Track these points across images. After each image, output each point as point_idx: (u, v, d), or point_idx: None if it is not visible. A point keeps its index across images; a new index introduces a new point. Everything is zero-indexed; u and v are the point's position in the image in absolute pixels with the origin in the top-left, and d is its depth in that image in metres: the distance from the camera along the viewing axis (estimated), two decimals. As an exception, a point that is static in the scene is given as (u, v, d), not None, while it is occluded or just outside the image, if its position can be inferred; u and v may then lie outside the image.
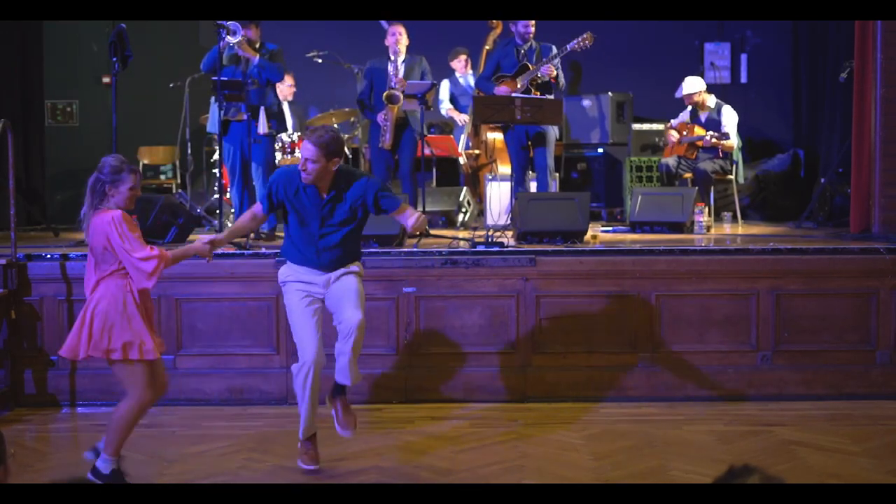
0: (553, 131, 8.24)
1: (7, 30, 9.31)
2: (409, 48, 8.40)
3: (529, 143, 8.19)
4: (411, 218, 5.13)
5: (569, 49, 7.99)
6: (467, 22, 9.25)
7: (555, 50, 8.16)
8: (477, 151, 9.71)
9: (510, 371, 6.59)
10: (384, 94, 8.25)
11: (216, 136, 8.00)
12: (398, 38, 8.30)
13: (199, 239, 5.05)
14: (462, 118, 9.76)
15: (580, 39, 7.95)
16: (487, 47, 9.66)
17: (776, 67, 10.84)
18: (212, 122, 8.00)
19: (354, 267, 5.19)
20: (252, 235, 7.51)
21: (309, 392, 5.07)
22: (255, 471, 5.23)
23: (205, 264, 6.64)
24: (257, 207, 5.29)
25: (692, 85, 9.08)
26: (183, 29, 10.50)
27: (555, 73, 8.06)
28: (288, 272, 5.18)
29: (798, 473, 5.04)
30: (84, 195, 4.67)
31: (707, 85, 9.20)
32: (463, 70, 9.89)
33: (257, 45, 7.88)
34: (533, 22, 8.15)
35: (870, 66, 7.31)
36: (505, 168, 8.95)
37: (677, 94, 9.15)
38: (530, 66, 8.08)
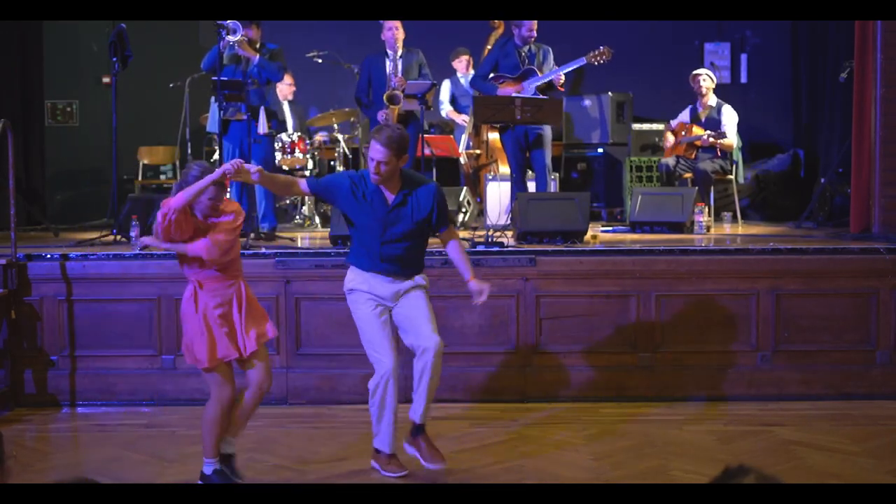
0: (550, 131, 8.24)
1: (7, 30, 9.32)
2: (406, 42, 8.39)
3: (527, 143, 8.18)
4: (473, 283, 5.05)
5: (584, 62, 7.97)
6: (468, 22, 9.25)
7: (551, 53, 8.16)
8: (478, 151, 9.72)
9: (510, 371, 6.59)
10: (385, 95, 8.24)
11: (216, 136, 8.01)
12: (395, 32, 8.28)
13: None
14: (462, 119, 9.76)
15: (597, 53, 7.91)
16: (489, 47, 9.66)
17: (776, 67, 10.84)
18: (212, 121, 8.01)
19: (420, 279, 5.10)
20: (252, 235, 7.51)
21: (391, 402, 4.98)
22: (255, 471, 5.23)
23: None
24: (302, 182, 5.18)
25: (702, 69, 9.15)
26: (183, 29, 10.50)
27: (563, 79, 8.07)
28: (354, 278, 5.08)
29: (798, 473, 5.04)
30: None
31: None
32: (464, 70, 9.89)
33: (258, 45, 7.89)
34: (535, 25, 8.14)
35: (870, 66, 7.31)
36: (506, 168, 8.95)
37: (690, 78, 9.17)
38: (538, 72, 8.06)
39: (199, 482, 4.90)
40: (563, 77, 8.05)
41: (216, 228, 4.74)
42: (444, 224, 5.09)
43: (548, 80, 7.99)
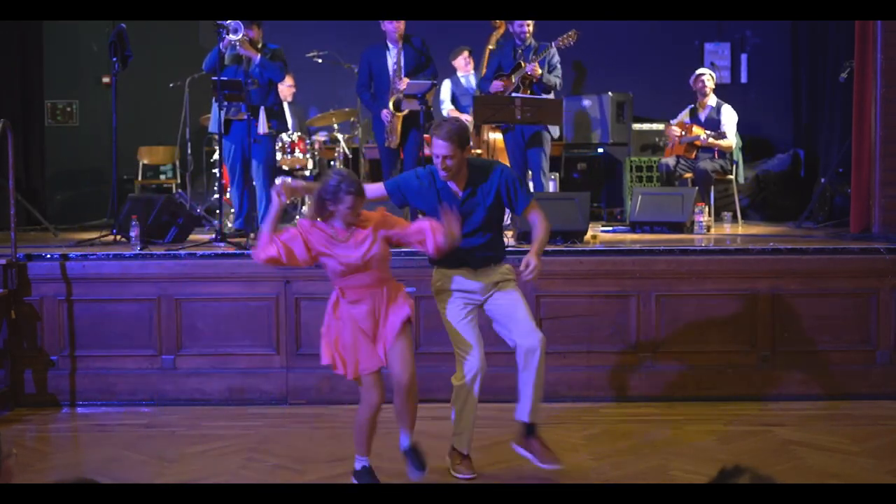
0: (549, 132, 8.24)
1: (7, 30, 9.32)
2: (406, 34, 8.32)
3: (525, 143, 8.19)
4: (538, 227, 4.94)
5: (554, 45, 8.01)
6: (469, 22, 9.25)
7: (552, 48, 8.16)
8: (479, 151, 9.71)
9: (510, 371, 6.57)
10: (391, 101, 8.20)
11: (217, 137, 8.01)
12: (396, 24, 8.19)
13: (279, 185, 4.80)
14: (464, 119, 9.76)
15: (564, 37, 7.99)
16: (491, 47, 9.65)
17: (776, 67, 10.84)
18: (213, 122, 8.01)
19: (507, 270, 5.04)
20: (252, 235, 7.51)
21: (474, 402, 4.97)
22: (255, 471, 5.23)
23: (205, 264, 6.66)
24: (379, 186, 5.10)
25: (704, 69, 9.17)
26: (183, 29, 10.50)
27: (539, 72, 8.04)
28: (440, 278, 5.04)
29: (798, 473, 5.05)
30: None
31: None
32: (465, 69, 9.88)
33: (259, 46, 7.88)
34: (529, 22, 8.15)
35: (870, 66, 7.31)
36: (506, 168, 8.95)
37: (691, 79, 9.18)
38: (523, 65, 8.10)
39: (354, 480, 4.93)
40: (538, 70, 8.03)
41: (355, 239, 4.68)
42: (522, 204, 4.98)
43: (525, 71, 8.01)
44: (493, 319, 5.08)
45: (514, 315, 4.99)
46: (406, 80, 8.15)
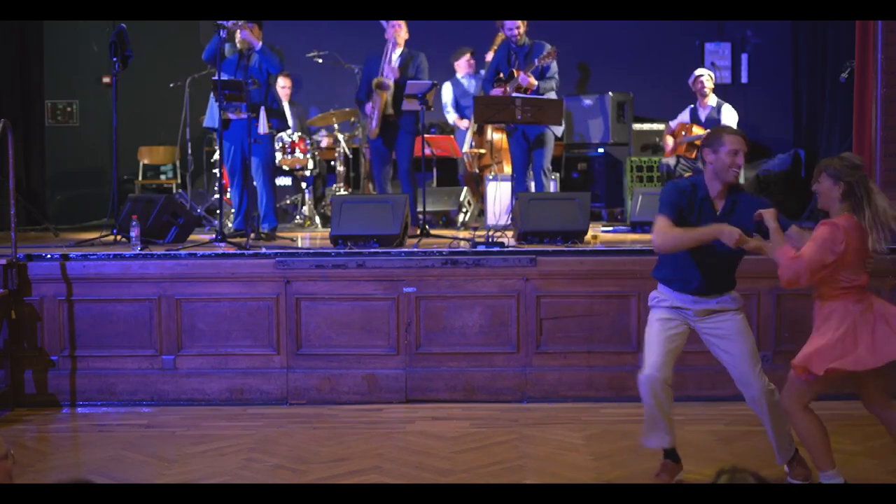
0: (551, 132, 8.24)
1: (7, 30, 9.32)
2: (409, 43, 8.39)
3: (528, 143, 8.20)
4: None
5: (536, 64, 8.04)
6: (471, 22, 9.25)
7: (547, 47, 8.16)
8: (482, 151, 9.71)
9: (510, 371, 6.59)
10: (374, 81, 8.24)
11: (215, 135, 8.00)
12: (395, 29, 8.27)
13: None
14: (466, 124, 9.75)
15: (542, 56, 8.04)
16: (495, 48, 9.66)
17: (776, 67, 10.85)
18: (210, 116, 8.00)
19: (730, 298, 4.90)
20: (252, 235, 7.51)
21: (650, 404, 4.84)
22: (255, 471, 5.23)
23: (205, 264, 6.67)
24: (665, 221, 4.88)
25: (703, 70, 9.17)
26: (183, 29, 10.51)
27: (534, 83, 8.04)
28: (658, 296, 5.01)
29: (798, 473, 5.04)
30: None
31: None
32: (466, 70, 9.87)
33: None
34: (520, 23, 8.15)
35: (870, 65, 7.31)
36: (509, 168, 8.95)
37: (690, 80, 9.19)
38: (516, 74, 8.10)
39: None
40: (532, 81, 8.04)
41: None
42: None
43: (517, 82, 8.02)
44: (715, 355, 5.00)
45: (736, 357, 4.90)
46: (397, 69, 8.17)
